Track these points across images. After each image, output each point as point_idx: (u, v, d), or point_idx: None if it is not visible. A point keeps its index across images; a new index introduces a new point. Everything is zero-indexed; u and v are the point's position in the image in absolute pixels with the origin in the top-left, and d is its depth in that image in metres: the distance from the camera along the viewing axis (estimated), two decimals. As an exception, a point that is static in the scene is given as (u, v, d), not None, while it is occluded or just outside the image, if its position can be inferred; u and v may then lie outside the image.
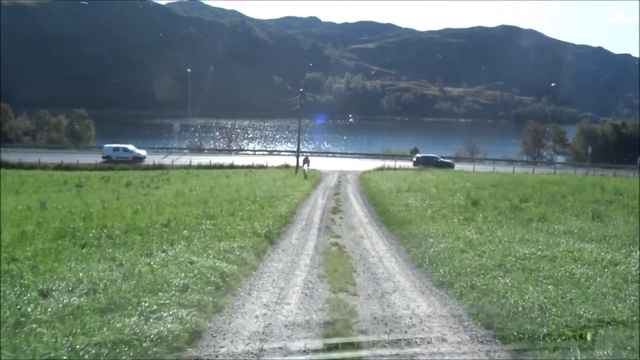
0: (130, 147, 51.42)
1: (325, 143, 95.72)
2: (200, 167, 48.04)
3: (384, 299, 6.69)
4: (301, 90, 48.76)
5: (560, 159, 70.22)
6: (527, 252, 8.38)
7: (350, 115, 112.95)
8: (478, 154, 65.89)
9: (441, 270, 7.75)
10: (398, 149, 69.96)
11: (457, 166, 49.92)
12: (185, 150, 64.02)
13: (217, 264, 7.27)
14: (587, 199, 16.69)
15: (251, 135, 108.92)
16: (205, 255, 7.83)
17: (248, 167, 48.09)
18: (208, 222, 11.75)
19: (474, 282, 6.75)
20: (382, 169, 44.25)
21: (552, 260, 7.75)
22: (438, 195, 20.34)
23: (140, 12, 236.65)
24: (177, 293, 5.73)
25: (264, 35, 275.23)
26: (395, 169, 45.28)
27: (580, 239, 9.65)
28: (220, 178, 36.42)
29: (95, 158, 50.54)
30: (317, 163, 48.42)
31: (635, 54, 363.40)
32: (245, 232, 10.34)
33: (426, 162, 47.30)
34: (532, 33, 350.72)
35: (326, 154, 65.20)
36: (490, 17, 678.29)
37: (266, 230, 10.97)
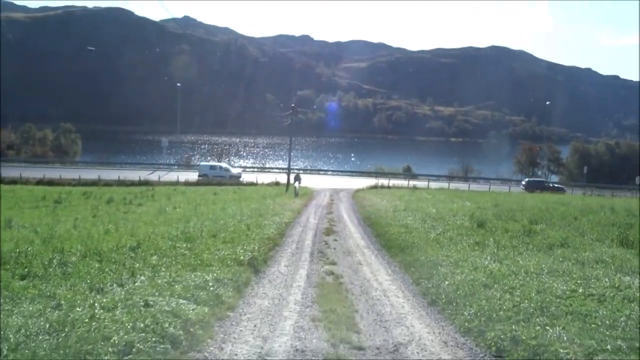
0: (225, 165, 50.29)
1: (316, 160, 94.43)
2: (188, 183, 46.39)
3: (398, 353, 5.18)
4: (292, 106, 47.48)
5: (554, 178, 69.34)
6: (564, 288, 6.93)
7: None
8: (472, 173, 64.85)
9: (465, 313, 6.24)
10: (391, 167, 68.77)
11: (440, 184, 48.75)
12: (174, 167, 62.34)
13: (181, 306, 5.68)
14: (602, 222, 15.34)
15: (242, 152, 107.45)
16: (169, 292, 6.26)
17: (238, 183, 46.57)
18: (185, 245, 10.22)
19: (514, 332, 5.25)
20: (375, 187, 42.88)
21: (601, 301, 6.29)
22: (438, 216, 18.92)
23: (133, 28, 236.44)
24: (111, 358, 4.16)
25: (257, 53, 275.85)
26: (389, 187, 43.91)
27: (618, 271, 8.22)
28: (207, 195, 34.79)
29: (79, 173, 48.73)
30: (309, 180, 46.95)
31: (622, 76, 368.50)
32: (226, 259, 8.78)
33: (536, 186, 46.57)
34: (522, 54, 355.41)
35: (318, 171, 63.77)
36: (480, 38, 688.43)
37: (250, 256, 9.41)
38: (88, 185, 44.56)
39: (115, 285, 6.46)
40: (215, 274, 7.49)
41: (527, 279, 7.54)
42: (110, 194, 35.59)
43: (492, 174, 65.56)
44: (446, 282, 7.71)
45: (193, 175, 50.30)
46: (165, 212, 22.07)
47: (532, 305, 6.05)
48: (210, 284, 6.90)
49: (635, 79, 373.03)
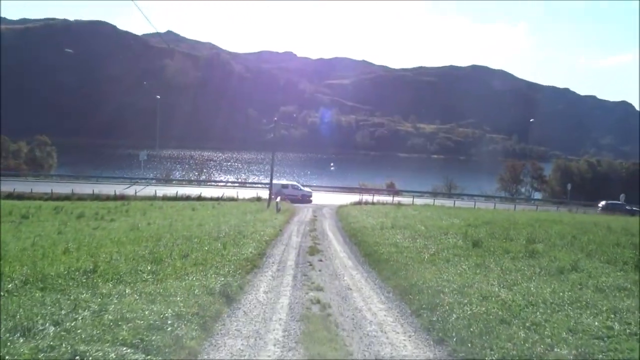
0: (296, 184, 49.62)
1: (299, 176, 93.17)
2: (165, 198, 44.71)
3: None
4: (275, 119, 46.35)
5: (537, 195, 69.21)
6: (597, 324, 5.81)
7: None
8: (456, 189, 64.24)
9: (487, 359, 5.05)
10: (374, 183, 67.86)
11: (426, 200, 47.89)
12: (153, 181, 60.50)
13: (124, 358, 4.38)
14: (605, 242, 14.39)
15: (224, 167, 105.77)
16: (112, 335, 4.94)
17: (217, 199, 45.01)
18: (149, 268, 8.90)
19: (558, 391, 4.11)
20: (359, 203, 41.80)
21: (648, 342, 5.19)
22: (428, 233, 17.86)
23: (115, 42, 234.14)
24: None
25: (240, 68, 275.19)
26: (373, 203, 42.88)
27: (648, 301, 7.15)
28: (185, 210, 33.34)
29: (52, 187, 46.70)
30: (291, 196, 45.70)
31: (600, 96, 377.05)
32: (193, 287, 7.46)
33: (614, 209, 45.81)
34: (501, 73, 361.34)
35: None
36: (461, 57, 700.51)
37: (223, 282, 8.10)
38: (61, 199, 42.65)
39: (48, 324, 5.14)
40: (178, 307, 6.18)
41: (549, 311, 6.41)
42: (82, 208, 33.90)
43: (475, 190, 65.07)
44: (454, 316, 6.53)
45: (171, 190, 48.68)
46: (137, 228, 20.65)
47: (571, 350, 4.90)
48: (170, 322, 5.58)
49: (612, 99, 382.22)
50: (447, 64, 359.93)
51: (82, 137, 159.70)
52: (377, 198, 47.12)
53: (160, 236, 15.85)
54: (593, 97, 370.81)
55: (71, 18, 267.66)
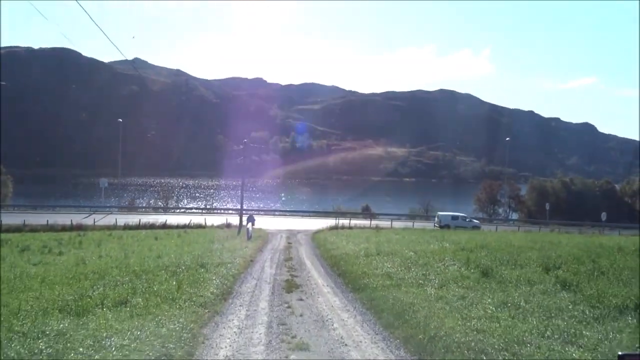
0: (465, 215, 47.92)
1: (271, 201, 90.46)
2: (127, 227, 41.42)
3: None
4: (245, 141, 43.96)
5: (514, 215, 68.16)
6: None
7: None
8: (433, 211, 62.51)
9: None
10: (349, 207, 65.71)
11: (405, 223, 45.93)
12: (115, 209, 56.87)
13: None
14: (627, 265, 12.36)
15: (194, 194, 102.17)
16: None
17: (184, 226, 41.92)
18: (66, 323, 6.29)
19: None
20: (335, 227, 39.40)
21: None
22: (421, 260, 15.61)
23: (82, 69, 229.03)
24: None
25: (209, 95, 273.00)
26: (350, 227, 40.57)
27: None
28: (146, 240, 30.27)
29: (3, 218, 42.74)
30: (263, 222, 43.04)
31: (563, 118, 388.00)
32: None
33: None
34: (468, 97, 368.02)
35: (273, 212, 59.82)
36: (429, 82, 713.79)
37: (161, 352, 5.50)
38: (11, 231, 38.87)
39: None
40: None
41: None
42: (32, 241, 30.52)
43: (452, 212, 63.53)
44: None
45: (134, 218, 45.33)
46: (83, 263, 17.76)
47: None
48: None
49: (575, 121, 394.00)
50: (416, 88, 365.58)
51: (46, 167, 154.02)
52: (354, 222, 44.85)
53: (105, 273, 13.13)
54: (557, 119, 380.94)
55: (35, 46, 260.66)
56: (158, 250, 21.63)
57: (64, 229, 40.49)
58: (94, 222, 43.05)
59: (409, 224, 46.48)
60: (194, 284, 10.30)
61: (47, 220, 42.24)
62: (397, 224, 44.97)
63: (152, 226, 41.87)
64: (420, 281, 11.12)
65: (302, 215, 56.10)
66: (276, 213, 58.29)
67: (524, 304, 7.97)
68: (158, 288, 9.54)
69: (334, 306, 9.89)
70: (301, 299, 10.48)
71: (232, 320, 8.17)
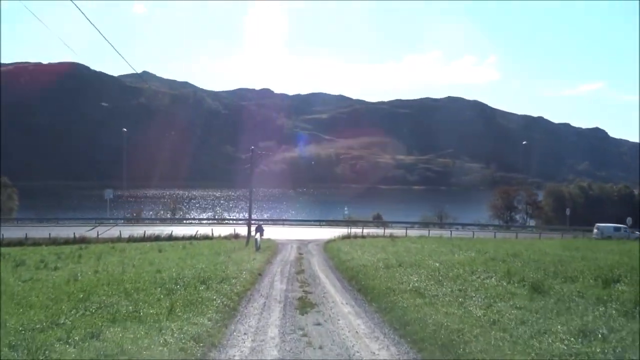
0: (624, 226, 45.71)
1: (280, 211, 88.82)
2: (131, 239, 39.94)
3: None
4: (252, 148, 42.40)
5: (531, 222, 65.88)
6: None
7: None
8: (447, 219, 60.59)
9: None
10: (360, 216, 63.92)
11: (420, 232, 43.81)
12: (121, 221, 55.50)
13: None
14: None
15: (203, 205, 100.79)
16: None
17: (190, 237, 40.35)
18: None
19: None
20: (348, 236, 37.61)
21: None
22: (450, 272, 13.84)
23: (90, 83, 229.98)
24: None
25: (217, 106, 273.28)
26: (363, 236, 38.76)
27: None
28: (150, 253, 28.74)
29: (5, 232, 41.40)
30: (272, 232, 41.40)
31: (573, 124, 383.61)
32: None
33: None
34: (476, 104, 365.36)
35: (282, 221, 58.08)
36: (436, 89, 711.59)
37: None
38: (12, 245, 37.69)
39: None
40: None
41: None
42: (30, 255, 29.10)
43: (466, 219, 61.55)
44: None
45: (139, 230, 43.82)
46: (75, 280, 16.16)
47: None
48: None
49: (585, 126, 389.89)
50: (423, 95, 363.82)
51: (55, 180, 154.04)
52: (367, 231, 43.01)
53: (93, 292, 11.49)
54: (567, 125, 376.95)
55: (44, 61, 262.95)
56: (159, 264, 20.02)
57: (67, 242, 39.17)
58: (98, 235, 41.63)
59: (424, 232, 44.56)
60: (189, 306, 8.62)
61: (50, 234, 40.89)
62: (412, 233, 43.09)
63: (157, 238, 40.36)
64: (459, 299, 9.34)
65: (313, 225, 54.38)
66: (286, 223, 56.61)
67: (607, 332, 6.18)
68: (145, 312, 7.87)
69: (359, 332, 8.14)
70: (319, 323, 8.75)
71: (233, 355, 6.45)
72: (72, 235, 40.55)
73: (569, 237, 42.47)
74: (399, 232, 44.24)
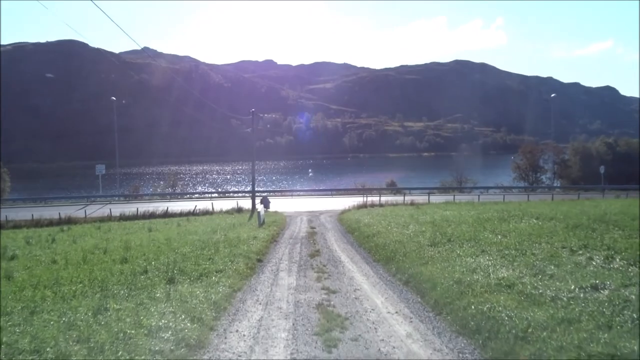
0: None
1: (288, 182, 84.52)
2: (123, 217, 35.75)
3: None
4: (252, 110, 37.71)
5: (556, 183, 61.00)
6: None
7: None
8: (466, 183, 55.94)
9: None
10: (372, 184, 59.42)
11: (443, 197, 39.17)
12: (115, 198, 51.44)
13: None
14: None
15: (208, 180, 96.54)
16: None
17: (188, 213, 36.11)
18: None
19: None
20: (364, 206, 33.25)
21: None
22: (532, 250, 9.46)
23: (91, 60, 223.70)
24: None
25: (220, 79, 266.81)
26: (381, 205, 34.38)
27: None
28: (137, 233, 24.45)
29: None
30: (280, 204, 37.17)
31: (583, 83, 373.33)
32: None
33: None
34: (484, 67, 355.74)
35: (291, 192, 53.79)
36: (443, 53, 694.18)
37: None
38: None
39: None
40: None
41: None
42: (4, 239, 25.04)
43: (486, 183, 56.97)
44: None
45: (132, 208, 39.64)
46: (9, 278, 11.98)
47: None
48: None
49: (595, 85, 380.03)
50: (430, 60, 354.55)
51: (59, 161, 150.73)
52: (383, 199, 38.57)
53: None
54: (577, 84, 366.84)
55: (42, 40, 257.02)
56: (136, 249, 15.76)
57: (51, 223, 35.02)
58: (86, 214, 37.54)
59: (447, 197, 40.04)
60: (145, 322, 4.28)
61: (32, 215, 36.85)
62: (436, 199, 38.58)
63: (151, 215, 36.09)
64: (583, 305, 4.94)
65: (323, 195, 50.04)
66: (294, 193, 52.29)
67: None
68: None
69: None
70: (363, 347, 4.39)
71: None
72: (57, 216, 36.44)
73: (610, 197, 37.82)
74: (419, 198, 39.75)
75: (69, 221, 35.15)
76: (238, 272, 9.11)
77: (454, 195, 41.04)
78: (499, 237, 12.09)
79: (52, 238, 23.98)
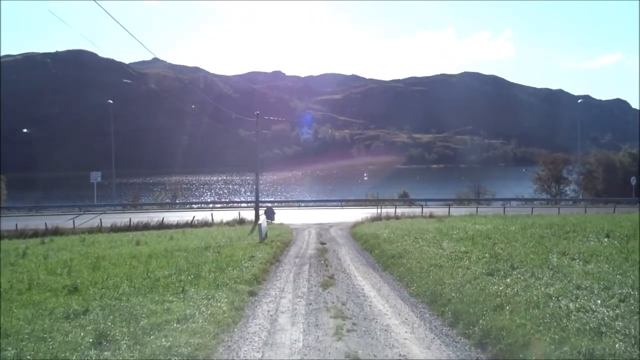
0: None
1: (295, 193, 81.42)
2: (114, 229, 32.70)
3: None
4: (257, 113, 34.79)
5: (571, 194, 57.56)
6: None
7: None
8: (485, 195, 52.61)
9: None
10: (385, 195, 56.18)
11: (463, 209, 35.80)
12: (114, 208, 48.53)
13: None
14: None
15: (213, 190, 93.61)
16: None
17: (185, 225, 33.02)
18: None
19: None
20: (379, 218, 30.05)
21: None
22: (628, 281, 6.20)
23: (99, 70, 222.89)
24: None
25: (228, 89, 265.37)
26: (396, 217, 31.17)
27: None
28: (123, 247, 21.34)
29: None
30: (286, 215, 34.07)
31: (594, 96, 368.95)
32: None
33: None
34: (493, 78, 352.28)
35: (298, 203, 50.65)
36: (452, 65, 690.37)
37: None
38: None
39: None
40: None
41: None
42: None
43: (505, 194, 53.66)
44: None
45: (125, 218, 36.60)
46: None
47: None
48: None
49: (605, 98, 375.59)
50: (438, 72, 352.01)
51: (59, 170, 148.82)
52: (400, 211, 35.32)
53: None
54: (587, 97, 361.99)
55: (53, 50, 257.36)
56: (102, 270, 12.65)
57: (36, 234, 32.06)
58: (74, 225, 34.57)
59: (467, 209, 36.71)
60: None
61: (17, 225, 33.95)
62: (456, 211, 35.25)
63: (145, 226, 33.06)
64: None
65: (332, 206, 46.84)
66: (301, 204, 49.14)
67: None
68: None
69: None
70: None
71: None
72: (43, 226, 33.45)
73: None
74: (437, 210, 36.47)
75: (56, 232, 32.14)
76: (213, 320, 5.95)
77: (477, 207, 37.66)
78: (579, 262, 8.88)
79: (23, 252, 20.95)
